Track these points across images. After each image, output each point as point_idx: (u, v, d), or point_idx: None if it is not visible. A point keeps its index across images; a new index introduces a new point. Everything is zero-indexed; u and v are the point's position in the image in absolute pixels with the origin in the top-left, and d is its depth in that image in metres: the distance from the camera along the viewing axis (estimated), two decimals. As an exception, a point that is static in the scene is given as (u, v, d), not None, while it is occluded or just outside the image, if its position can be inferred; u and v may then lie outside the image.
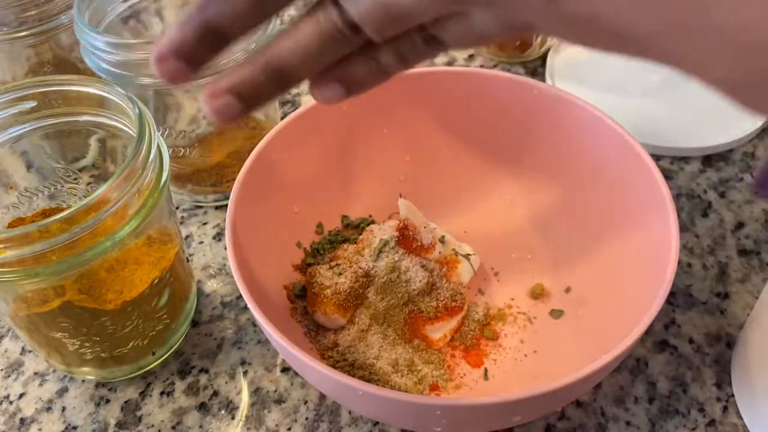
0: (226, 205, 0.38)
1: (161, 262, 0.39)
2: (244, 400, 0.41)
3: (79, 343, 0.38)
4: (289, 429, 0.39)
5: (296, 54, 0.24)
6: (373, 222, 0.47)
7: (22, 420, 0.40)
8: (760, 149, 0.54)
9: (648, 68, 0.60)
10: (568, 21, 0.23)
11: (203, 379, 0.42)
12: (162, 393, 0.41)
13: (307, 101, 0.54)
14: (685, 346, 0.42)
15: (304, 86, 0.27)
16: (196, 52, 0.24)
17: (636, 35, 0.21)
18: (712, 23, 0.19)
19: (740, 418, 0.39)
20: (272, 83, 0.25)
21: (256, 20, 0.24)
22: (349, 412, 0.40)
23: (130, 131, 0.37)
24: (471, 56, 0.63)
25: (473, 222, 0.48)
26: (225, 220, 0.37)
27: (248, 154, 0.40)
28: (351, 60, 0.26)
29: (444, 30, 0.26)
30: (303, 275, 0.44)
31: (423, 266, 0.41)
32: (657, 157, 0.53)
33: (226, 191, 0.50)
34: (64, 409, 0.41)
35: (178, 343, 0.43)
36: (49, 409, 0.41)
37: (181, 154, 0.48)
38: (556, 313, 0.42)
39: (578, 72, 0.60)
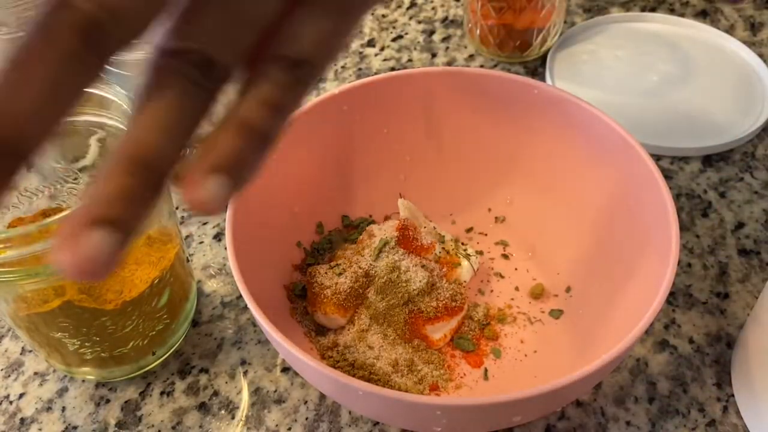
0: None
1: (161, 262, 0.39)
2: (244, 400, 0.41)
3: (79, 343, 0.38)
4: (289, 429, 0.39)
5: (160, 134, 0.19)
6: (373, 222, 0.47)
7: (22, 420, 0.40)
8: (760, 149, 0.54)
9: (648, 68, 0.60)
10: None
11: (203, 379, 0.42)
12: (162, 393, 0.41)
13: (307, 101, 0.54)
14: (685, 346, 0.42)
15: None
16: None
17: None
18: None
19: (740, 418, 0.39)
20: (149, 186, 0.19)
21: (59, 114, 0.18)
22: (349, 412, 0.40)
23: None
24: (471, 56, 0.64)
25: (473, 222, 0.48)
26: (225, 220, 0.37)
27: (248, 154, 0.40)
28: (216, 138, 0.20)
29: (297, 39, 0.21)
30: (303, 275, 0.44)
31: (423, 266, 0.41)
32: (657, 157, 0.53)
33: (226, 191, 0.50)
34: (64, 409, 0.41)
35: (178, 343, 0.43)
36: (49, 409, 0.41)
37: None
38: (556, 313, 0.42)
39: (578, 72, 0.60)
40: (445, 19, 0.68)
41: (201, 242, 0.49)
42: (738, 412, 0.39)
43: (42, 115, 0.17)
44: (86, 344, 0.38)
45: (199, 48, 0.19)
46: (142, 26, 0.19)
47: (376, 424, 0.39)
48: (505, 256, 0.46)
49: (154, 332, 0.40)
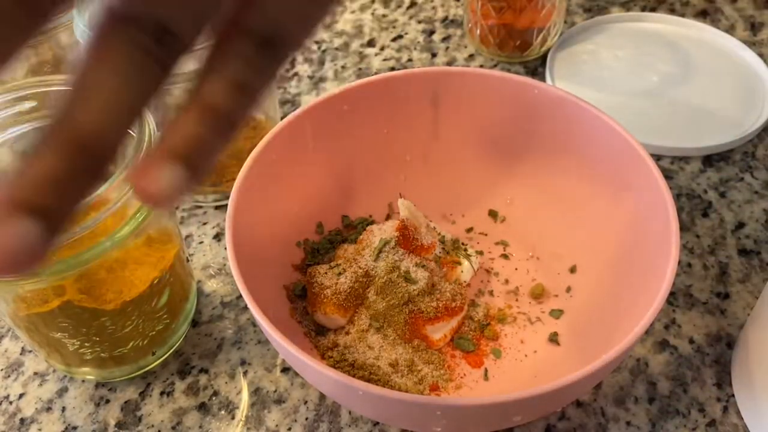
0: (226, 205, 0.38)
1: (161, 263, 0.39)
2: (244, 400, 0.41)
3: (79, 343, 0.38)
4: (289, 429, 0.39)
5: (100, 110, 0.16)
6: (373, 222, 0.47)
7: (22, 420, 0.40)
8: (760, 149, 0.54)
9: (648, 68, 0.60)
10: None
11: (203, 379, 0.42)
12: (162, 393, 0.41)
13: (307, 101, 0.54)
14: (685, 346, 0.42)
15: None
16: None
17: None
18: None
19: (740, 418, 0.39)
20: (84, 171, 0.16)
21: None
22: (349, 412, 0.40)
23: (130, 131, 0.37)
24: (471, 56, 0.63)
25: (473, 222, 0.48)
26: (225, 220, 0.37)
27: (248, 154, 0.40)
28: (177, 120, 0.18)
29: (269, 13, 0.19)
30: (303, 275, 0.44)
31: (423, 266, 0.41)
32: (657, 157, 0.53)
33: (226, 191, 0.50)
34: (64, 409, 0.41)
35: (178, 343, 0.43)
36: (49, 409, 0.41)
37: (180, 154, 0.48)
38: (556, 313, 0.42)
39: (578, 72, 0.60)
40: (445, 19, 0.68)
41: (201, 242, 0.49)
42: (738, 412, 0.39)
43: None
44: (86, 344, 0.38)
45: (155, 13, 0.17)
46: (199, 29, 0.18)
47: (376, 424, 0.39)
48: (505, 256, 0.46)
49: (154, 332, 0.40)
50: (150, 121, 0.35)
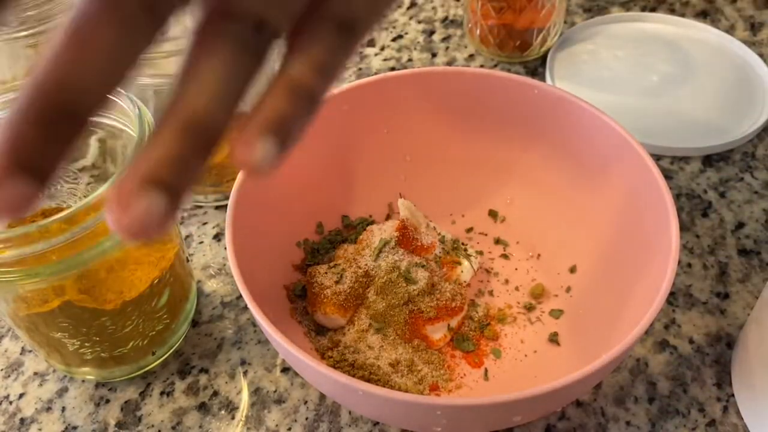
0: (226, 205, 0.38)
1: (161, 262, 0.39)
2: (244, 400, 0.41)
3: (79, 343, 0.38)
4: (289, 429, 0.39)
5: (210, 100, 0.18)
6: (373, 222, 0.47)
7: (22, 420, 0.40)
8: (760, 149, 0.54)
9: (648, 68, 0.60)
10: None
11: (203, 379, 0.42)
12: (162, 393, 0.41)
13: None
14: (685, 346, 0.42)
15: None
16: (43, 155, 0.17)
17: None
18: None
19: (740, 418, 0.39)
20: (199, 149, 0.18)
21: (130, 64, 0.18)
22: (349, 412, 0.40)
23: (130, 131, 0.37)
24: (471, 56, 0.63)
25: (473, 222, 0.48)
26: (225, 220, 0.37)
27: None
28: (265, 100, 0.20)
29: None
30: (303, 275, 0.44)
31: (423, 266, 0.41)
32: (657, 157, 0.53)
33: (226, 191, 0.50)
34: (64, 409, 0.41)
35: (178, 343, 0.43)
36: (49, 409, 0.41)
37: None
38: (556, 313, 0.42)
39: (578, 72, 0.60)
40: (445, 19, 0.68)
41: (201, 242, 0.49)
42: (738, 412, 0.39)
43: (101, 79, 0.18)
44: (86, 344, 0.38)
45: (253, 9, 0.19)
46: (291, 20, 0.20)
47: (376, 424, 0.39)
48: (505, 256, 0.46)
49: (154, 332, 0.40)
50: (149, 120, 0.35)
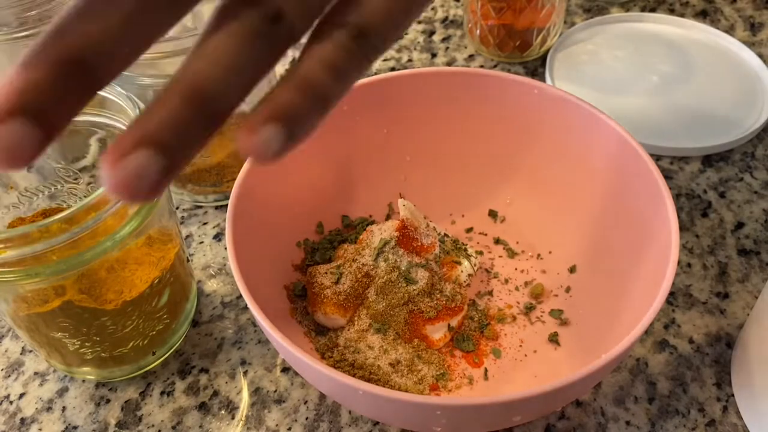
0: (226, 205, 0.38)
1: (161, 262, 0.39)
2: (244, 400, 0.41)
3: (79, 343, 0.38)
4: (289, 429, 0.39)
5: (218, 73, 0.18)
6: (373, 222, 0.47)
7: (22, 420, 0.40)
8: (760, 149, 0.54)
9: (648, 68, 0.60)
10: None
11: (203, 379, 0.42)
12: (162, 393, 0.41)
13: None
14: (685, 346, 0.42)
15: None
16: (56, 104, 0.17)
17: None
18: None
19: (740, 418, 0.39)
20: (202, 119, 0.18)
21: (147, 38, 0.18)
22: (349, 412, 0.40)
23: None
24: (471, 56, 0.64)
25: (473, 222, 0.48)
26: (225, 220, 0.37)
27: (248, 154, 0.40)
28: (277, 88, 0.20)
29: (364, 8, 0.21)
30: (303, 275, 0.44)
31: (423, 266, 0.41)
32: (657, 157, 0.53)
33: (226, 191, 0.50)
34: (64, 409, 0.41)
35: (178, 343, 0.43)
36: (49, 409, 0.41)
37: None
38: (556, 313, 0.42)
39: (578, 72, 0.60)
40: (445, 19, 0.68)
41: (201, 242, 0.49)
42: (738, 412, 0.39)
43: (123, 41, 0.18)
44: (86, 344, 0.38)
45: (274, 1, 0.19)
46: (310, 22, 0.20)
47: (376, 424, 0.39)
48: (505, 256, 0.46)
49: (154, 332, 0.40)
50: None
